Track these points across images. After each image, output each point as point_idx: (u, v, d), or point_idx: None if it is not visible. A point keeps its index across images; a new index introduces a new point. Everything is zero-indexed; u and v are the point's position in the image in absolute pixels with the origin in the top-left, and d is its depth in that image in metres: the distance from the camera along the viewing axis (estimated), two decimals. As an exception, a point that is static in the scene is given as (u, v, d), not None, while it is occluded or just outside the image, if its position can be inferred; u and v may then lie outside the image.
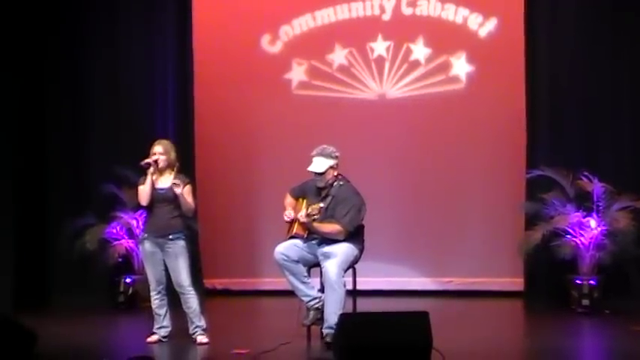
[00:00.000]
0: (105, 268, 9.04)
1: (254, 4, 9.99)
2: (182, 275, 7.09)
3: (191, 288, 7.13)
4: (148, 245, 7.17)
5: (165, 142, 7.29)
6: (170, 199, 7.09)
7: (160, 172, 7.15)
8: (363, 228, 7.17)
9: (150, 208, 7.17)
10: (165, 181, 7.15)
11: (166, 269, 7.17)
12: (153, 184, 7.10)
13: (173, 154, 7.20)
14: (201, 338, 7.13)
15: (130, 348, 6.54)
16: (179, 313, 7.24)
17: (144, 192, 7.11)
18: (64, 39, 9.45)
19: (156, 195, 7.10)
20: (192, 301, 7.13)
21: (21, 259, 9.02)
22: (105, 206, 9.11)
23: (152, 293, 7.22)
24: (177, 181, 7.02)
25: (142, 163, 7.12)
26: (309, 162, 7.09)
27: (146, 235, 7.21)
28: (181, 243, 7.13)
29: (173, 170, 7.17)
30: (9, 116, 8.99)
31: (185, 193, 7.08)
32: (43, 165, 9.43)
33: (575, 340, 7.67)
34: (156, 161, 7.11)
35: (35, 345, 4.16)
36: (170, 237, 7.09)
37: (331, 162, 7.06)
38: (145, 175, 7.12)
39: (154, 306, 7.22)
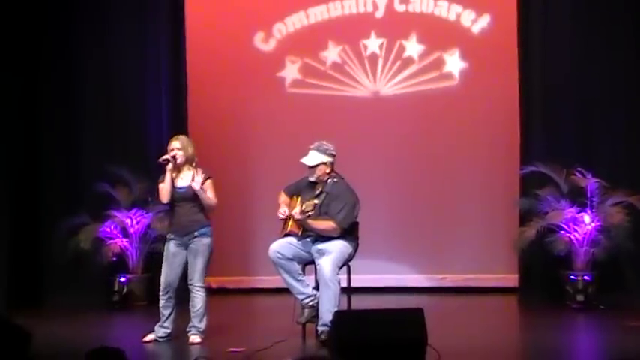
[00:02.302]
0: (99, 267, 9.03)
1: (247, 2, 9.97)
2: (196, 273, 7.05)
3: (201, 287, 7.09)
4: (172, 246, 7.11)
5: (182, 137, 7.26)
6: (190, 197, 7.03)
7: (179, 168, 7.09)
8: (358, 225, 7.16)
9: (171, 206, 7.11)
10: (185, 178, 7.07)
11: (183, 271, 7.11)
12: (172, 181, 7.05)
13: (191, 150, 7.13)
14: (194, 338, 7.09)
15: (125, 347, 6.51)
16: (183, 314, 7.22)
17: (164, 190, 7.04)
18: (56, 39, 9.41)
19: (175, 194, 7.03)
20: (197, 300, 7.09)
21: (15, 259, 9.01)
22: (99, 205, 9.09)
23: (160, 293, 7.17)
24: (195, 179, 6.96)
25: (161, 159, 7.06)
26: (306, 154, 7.10)
27: (172, 235, 7.14)
28: (206, 240, 7.05)
29: (192, 166, 7.11)
30: (2, 117, 8.97)
31: (206, 187, 7.04)
32: (36, 165, 9.40)
33: (569, 336, 7.69)
34: (174, 157, 7.05)
35: (30, 344, 4.15)
36: (195, 233, 7.04)
37: (325, 159, 7.05)
38: (164, 172, 7.06)
39: (160, 305, 7.18)
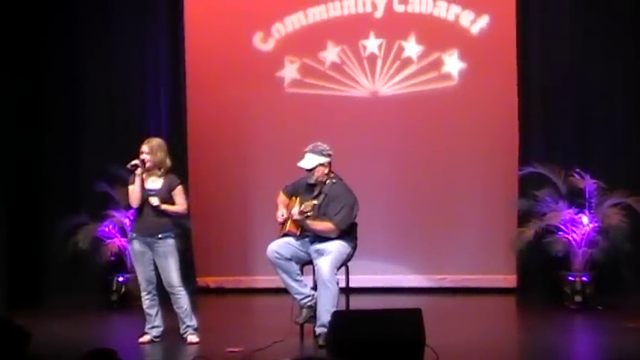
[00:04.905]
0: (98, 267, 9.03)
1: (246, 2, 9.97)
2: (172, 275, 7.06)
3: (182, 288, 7.10)
4: (136, 245, 7.12)
5: (153, 140, 7.19)
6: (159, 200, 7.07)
7: (149, 171, 7.09)
8: (356, 225, 7.16)
9: (139, 207, 7.11)
10: (155, 181, 7.09)
11: (156, 268, 7.14)
12: (142, 184, 7.06)
13: (160, 154, 7.09)
14: (192, 338, 7.10)
15: (123, 347, 6.53)
16: (171, 311, 7.22)
17: (135, 193, 7.04)
18: (55, 39, 9.42)
19: (145, 196, 7.04)
20: (182, 301, 7.09)
21: (14, 258, 9.01)
22: (97, 205, 9.10)
23: (142, 293, 7.17)
24: (151, 199, 6.99)
25: (128, 165, 7.07)
26: (302, 158, 7.10)
27: (134, 234, 7.17)
28: (170, 242, 7.08)
29: (161, 170, 7.11)
30: (2, 117, 8.97)
31: (176, 193, 7.07)
32: (35, 164, 9.40)
33: (568, 337, 7.70)
34: (143, 161, 7.05)
35: (28, 344, 4.16)
36: (159, 236, 7.05)
37: (321, 159, 7.04)
38: (134, 175, 7.06)
39: (144, 306, 7.18)
